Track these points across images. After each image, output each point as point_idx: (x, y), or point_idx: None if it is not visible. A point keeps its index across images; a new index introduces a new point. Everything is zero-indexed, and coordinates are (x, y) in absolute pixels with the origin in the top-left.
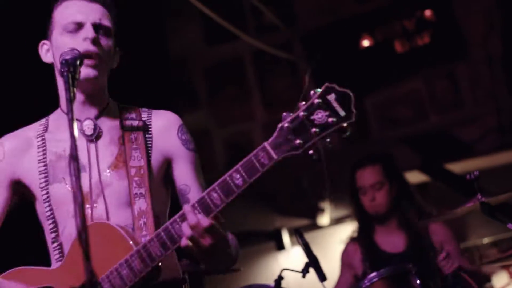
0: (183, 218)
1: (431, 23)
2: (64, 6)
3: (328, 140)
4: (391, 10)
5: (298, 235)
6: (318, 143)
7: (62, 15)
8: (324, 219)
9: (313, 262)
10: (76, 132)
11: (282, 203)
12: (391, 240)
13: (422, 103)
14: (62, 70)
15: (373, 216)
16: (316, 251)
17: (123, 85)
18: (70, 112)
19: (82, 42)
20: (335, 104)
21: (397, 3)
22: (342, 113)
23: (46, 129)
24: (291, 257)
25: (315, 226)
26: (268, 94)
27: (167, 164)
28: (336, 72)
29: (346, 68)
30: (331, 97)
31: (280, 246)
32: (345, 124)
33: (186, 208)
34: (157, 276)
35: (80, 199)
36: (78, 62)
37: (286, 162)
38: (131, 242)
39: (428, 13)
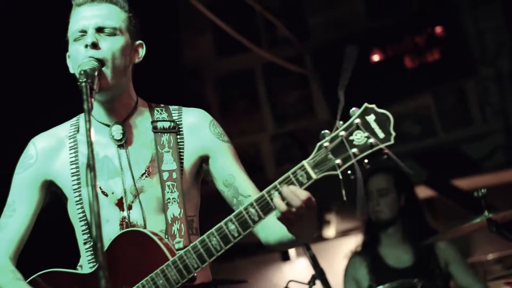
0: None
1: (441, 39)
2: (72, 15)
3: (366, 161)
4: (402, 26)
5: (306, 247)
6: (357, 163)
7: (71, 25)
8: (330, 231)
9: (319, 275)
10: (105, 139)
11: None
12: (397, 254)
13: (431, 119)
14: (80, 80)
15: (376, 223)
16: (322, 264)
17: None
18: (87, 122)
19: (84, 50)
20: (374, 126)
21: (408, 20)
22: (382, 135)
23: (77, 130)
24: (296, 268)
25: (320, 238)
26: (278, 107)
27: (202, 162)
28: (346, 86)
29: (356, 83)
30: (370, 118)
31: (285, 257)
32: (384, 146)
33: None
34: (191, 285)
35: (96, 209)
36: (96, 73)
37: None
38: (167, 253)
39: (438, 29)
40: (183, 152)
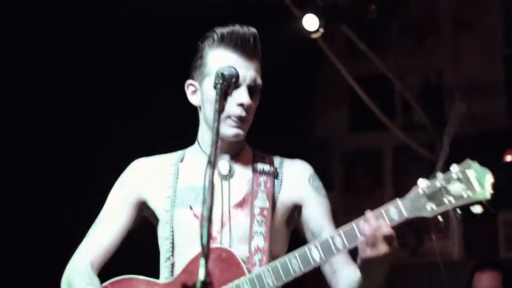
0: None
1: None
2: (220, 54)
3: (458, 211)
4: None
5: None
6: (449, 212)
7: (217, 65)
8: None
9: None
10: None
11: None
12: None
13: None
14: (216, 81)
15: None
16: None
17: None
18: (216, 121)
19: (235, 107)
20: (473, 180)
21: None
22: (479, 189)
23: (181, 160)
24: None
25: None
26: (401, 191)
27: (295, 211)
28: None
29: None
30: (471, 173)
31: None
32: (478, 200)
33: (368, 213)
34: None
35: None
36: (233, 80)
37: None
38: (246, 272)
39: None
40: (277, 195)
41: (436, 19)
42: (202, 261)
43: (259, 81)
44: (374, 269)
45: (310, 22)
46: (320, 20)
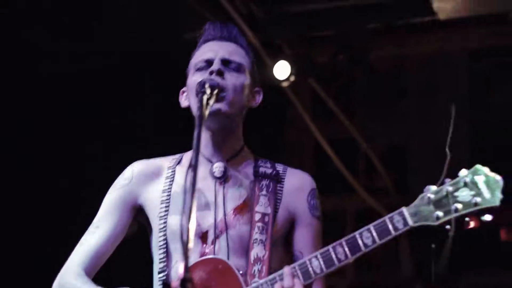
0: (281, 278)
1: None
2: (197, 50)
3: (467, 219)
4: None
5: None
6: (456, 220)
7: (195, 58)
8: None
9: None
10: (203, 172)
11: None
12: None
13: None
14: (198, 90)
15: None
16: None
17: None
18: (198, 127)
19: (208, 76)
20: (482, 186)
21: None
22: (488, 195)
23: (178, 163)
24: None
25: None
26: (364, 255)
27: (290, 223)
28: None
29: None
30: (479, 179)
31: None
32: (488, 207)
33: (286, 269)
34: None
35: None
36: (215, 91)
37: None
38: (243, 284)
39: None
40: (279, 202)
41: (403, 84)
42: (182, 258)
43: (237, 59)
44: None
45: (282, 70)
46: (292, 68)
